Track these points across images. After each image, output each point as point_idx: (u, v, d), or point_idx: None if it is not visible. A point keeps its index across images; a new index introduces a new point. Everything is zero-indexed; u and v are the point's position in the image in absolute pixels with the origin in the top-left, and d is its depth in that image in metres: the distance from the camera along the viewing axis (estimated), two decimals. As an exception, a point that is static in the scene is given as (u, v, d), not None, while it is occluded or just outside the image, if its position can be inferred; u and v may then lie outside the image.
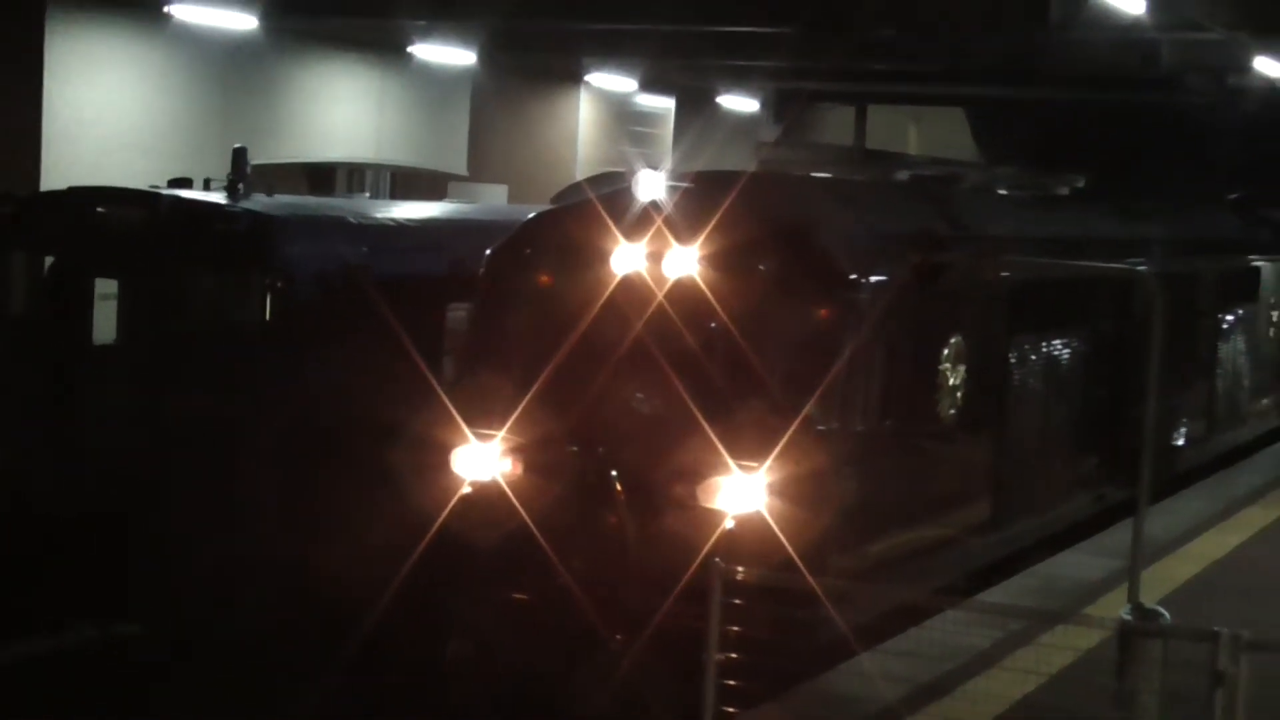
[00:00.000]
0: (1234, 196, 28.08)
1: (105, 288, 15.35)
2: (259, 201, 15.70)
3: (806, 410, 11.89)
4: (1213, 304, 22.01)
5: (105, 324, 15.31)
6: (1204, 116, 35.38)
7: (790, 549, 11.42)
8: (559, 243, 13.18)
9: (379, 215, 16.91)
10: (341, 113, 27.19)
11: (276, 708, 13.77)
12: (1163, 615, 10.29)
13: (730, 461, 11.73)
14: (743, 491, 11.70)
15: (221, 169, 16.14)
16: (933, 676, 11.77)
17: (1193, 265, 21.19)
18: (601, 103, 34.08)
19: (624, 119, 34.85)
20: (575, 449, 12.38)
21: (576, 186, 17.28)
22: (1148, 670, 10.08)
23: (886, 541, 12.94)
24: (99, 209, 15.52)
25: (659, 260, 12.36)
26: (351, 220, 16.10)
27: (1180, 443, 20.94)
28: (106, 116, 22.41)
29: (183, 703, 14.25)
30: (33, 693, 14.77)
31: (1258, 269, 24.42)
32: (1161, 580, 14.97)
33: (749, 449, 11.75)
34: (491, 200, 27.03)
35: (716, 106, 36.15)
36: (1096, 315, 17.64)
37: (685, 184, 12.92)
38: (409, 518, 12.91)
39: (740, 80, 34.09)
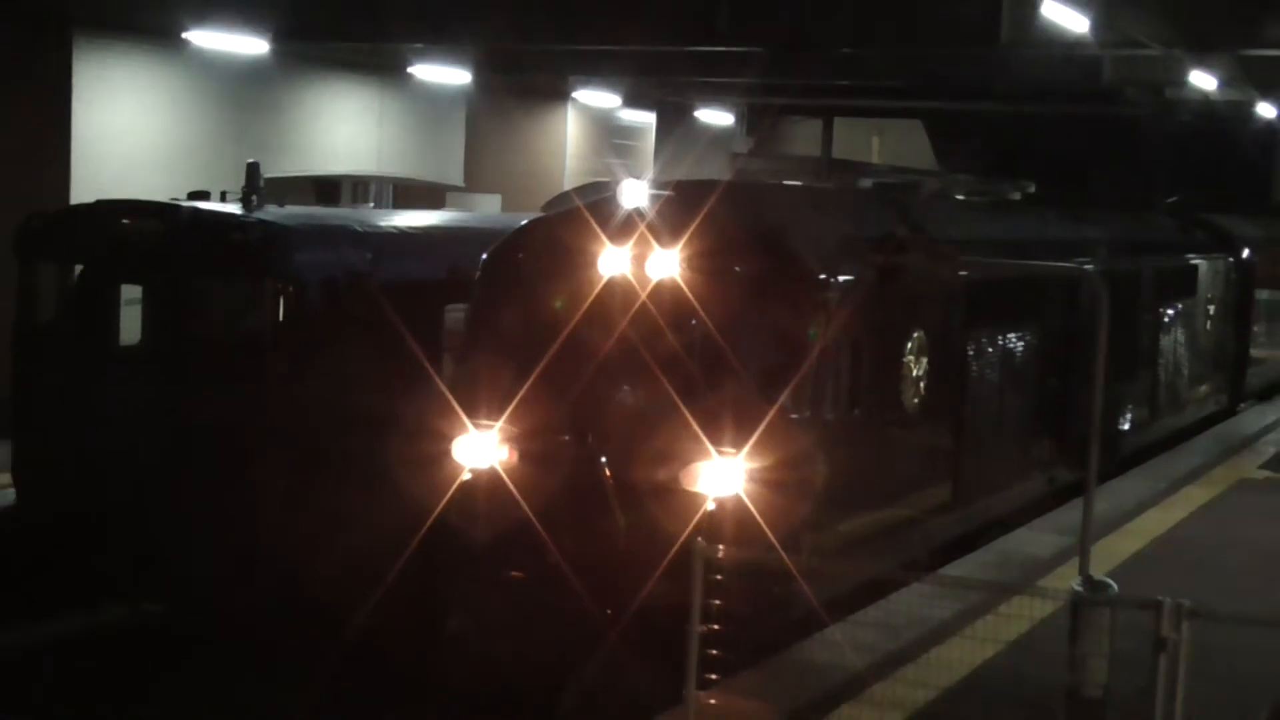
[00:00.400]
0: (1171, 200, 28.16)
1: (130, 293, 15.31)
2: (271, 212, 15.66)
3: (781, 400, 11.89)
4: (1153, 300, 22.05)
5: (130, 327, 15.27)
6: (1143, 127, 35.48)
7: (767, 529, 11.44)
8: (549, 247, 13.16)
9: (382, 223, 16.87)
10: (346, 129, 27.11)
11: (291, 676, 13.77)
12: (1110, 586, 10.31)
13: (711, 448, 11.72)
14: (723, 476, 11.70)
15: (236, 182, 16.10)
16: (899, 645, 11.80)
17: (1135, 264, 21.24)
18: (587, 118, 34.04)
19: (608, 133, 34.81)
20: (567, 438, 12.37)
21: (565, 195, 17.16)
22: (1097, 637, 10.10)
23: (855, 521, 12.94)
24: (124, 220, 15.48)
25: (642, 262, 12.35)
26: (357, 228, 16.06)
27: (1125, 428, 20.99)
28: (129, 136, 22.33)
29: (203, 672, 14.27)
30: (73, 663, 14.84)
31: (1195, 267, 24.47)
32: (1109, 554, 15.00)
33: (728, 437, 11.75)
34: (486, 209, 27.00)
35: (694, 120, 36.10)
36: (1047, 311, 17.66)
37: (666, 192, 12.91)
38: (411, 504, 12.90)
39: (716, 96, 34.05)
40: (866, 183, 19.02)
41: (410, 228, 17.08)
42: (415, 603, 13.33)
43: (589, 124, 34.10)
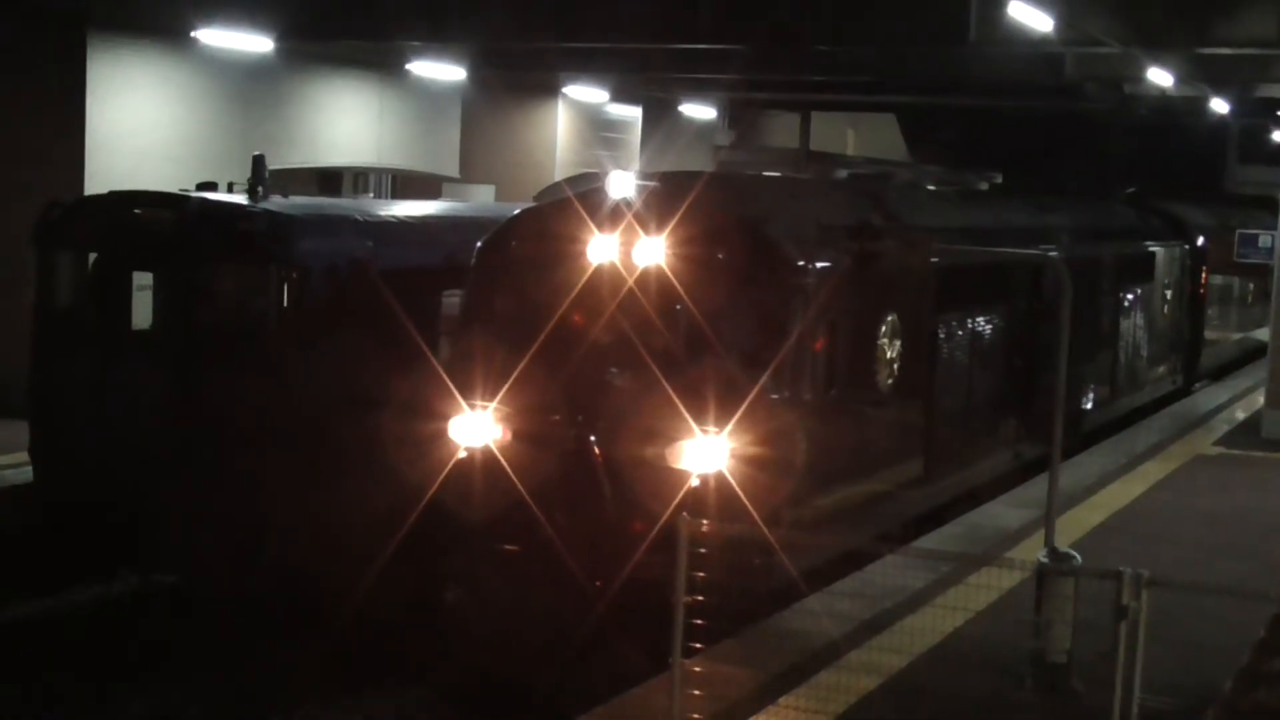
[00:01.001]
0: (1129, 190, 28.12)
1: (142, 280, 15.22)
2: (276, 202, 15.58)
3: (762, 381, 11.85)
4: (1114, 284, 22.04)
5: (142, 312, 15.19)
6: (1103, 121, 35.45)
7: (748, 504, 11.40)
8: (541, 235, 13.09)
9: (382, 213, 16.77)
10: (347, 123, 26.98)
11: (296, 646, 13.72)
12: (1074, 557, 10.29)
13: (695, 427, 11.68)
14: (706, 453, 11.66)
15: (242, 174, 15.98)
16: (873, 614, 11.77)
17: (1096, 250, 21.21)
18: (576, 112, 33.91)
19: (596, 126, 34.67)
20: (558, 418, 12.31)
21: (556, 186, 17.17)
22: (1061, 605, 10.09)
23: (832, 496, 12.91)
24: (136, 211, 15.38)
25: (629, 250, 12.30)
26: (358, 218, 15.97)
27: (1088, 406, 20.99)
28: (141, 130, 22.21)
29: (213, 638, 14.22)
30: (88, 629, 14.77)
31: (1152, 254, 24.47)
32: (1073, 526, 14.99)
33: (711, 416, 11.70)
34: (481, 199, 26.88)
35: (678, 114, 35.98)
36: (1013, 295, 17.63)
37: (651, 183, 12.85)
38: (410, 481, 12.84)
39: (699, 91, 33.93)
40: (842, 174, 18.97)
41: (408, 217, 16.99)
42: (415, 575, 13.27)
43: (578, 118, 33.96)
